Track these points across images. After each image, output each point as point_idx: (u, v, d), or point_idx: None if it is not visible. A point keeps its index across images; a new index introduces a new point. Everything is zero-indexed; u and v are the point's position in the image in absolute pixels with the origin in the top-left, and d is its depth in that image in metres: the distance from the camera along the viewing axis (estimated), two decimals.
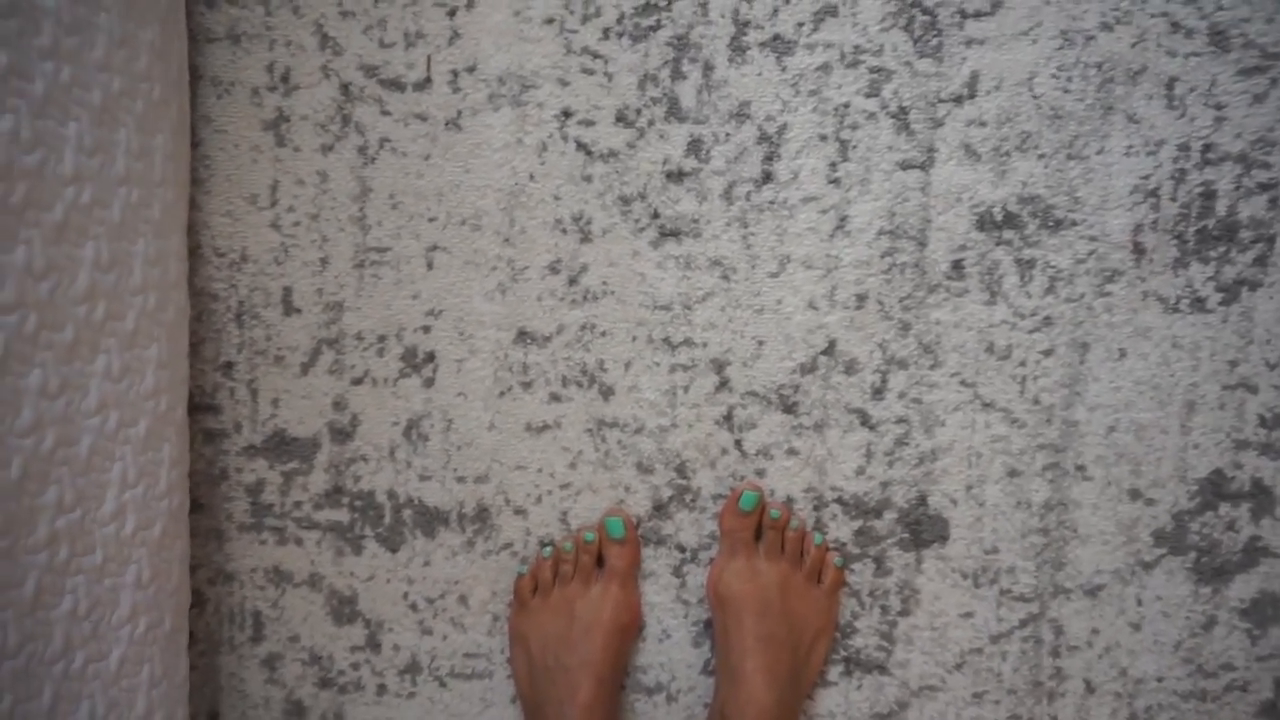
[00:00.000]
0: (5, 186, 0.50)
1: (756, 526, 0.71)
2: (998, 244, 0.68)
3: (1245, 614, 0.70)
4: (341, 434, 0.74)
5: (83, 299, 0.56)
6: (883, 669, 0.73)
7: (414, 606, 0.75)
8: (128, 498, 0.61)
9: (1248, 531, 0.69)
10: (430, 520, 0.74)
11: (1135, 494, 0.69)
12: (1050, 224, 0.67)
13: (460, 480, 0.73)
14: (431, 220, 0.71)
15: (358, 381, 0.73)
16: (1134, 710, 0.72)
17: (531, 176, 0.70)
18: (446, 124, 0.70)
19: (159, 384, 0.64)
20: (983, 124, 0.66)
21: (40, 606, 0.56)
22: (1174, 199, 0.65)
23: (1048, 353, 0.68)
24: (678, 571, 0.73)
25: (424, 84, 0.70)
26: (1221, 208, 0.65)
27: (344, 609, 0.76)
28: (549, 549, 0.73)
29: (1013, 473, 0.70)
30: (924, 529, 0.71)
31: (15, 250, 0.51)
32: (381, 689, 0.76)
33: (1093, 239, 0.67)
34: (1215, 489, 0.69)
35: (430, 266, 0.71)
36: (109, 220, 0.58)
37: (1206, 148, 0.65)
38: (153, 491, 0.63)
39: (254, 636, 0.77)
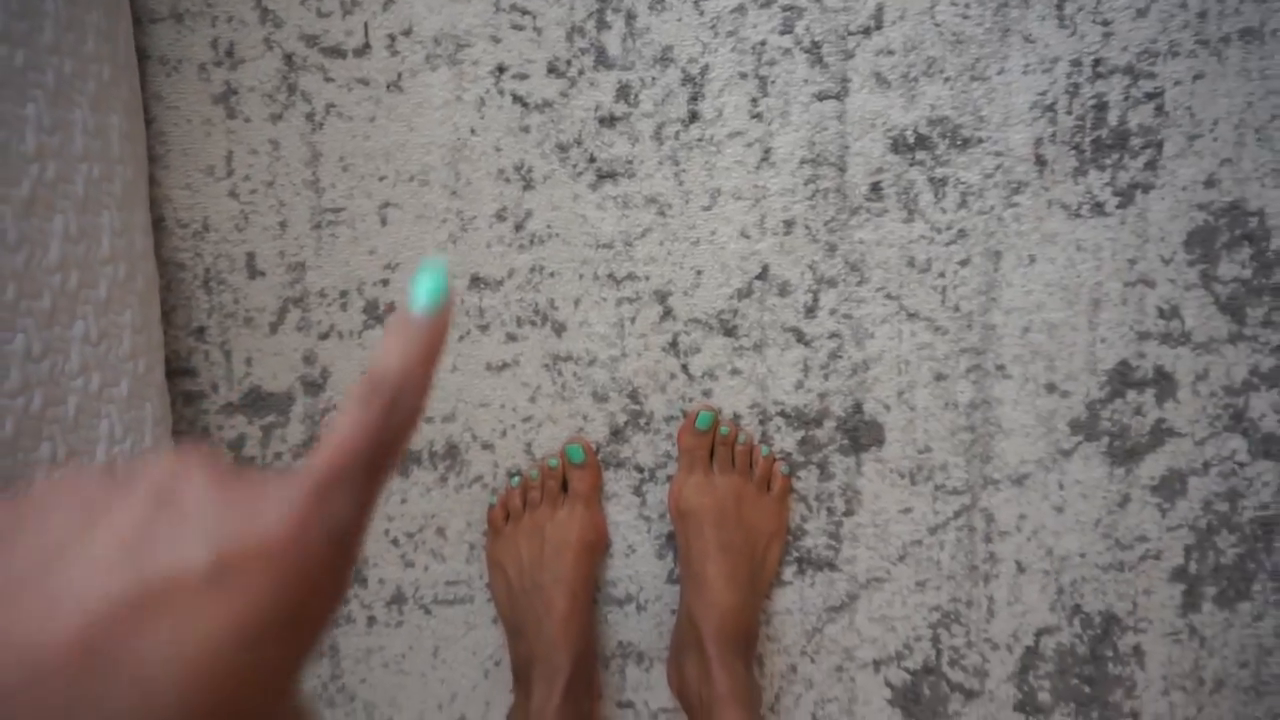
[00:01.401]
0: None
1: (711, 444, 0.76)
2: (911, 165, 0.72)
3: (1155, 490, 0.76)
4: (314, 386, 0.78)
5: (56, 269, 0.61)
6: (832, 566, 0.80)
7: (395, 542, 0.81)
8: (116, 452, 0.66)
9: (1154, 415, 0.75)
10: (404, 461, 0.79)
11: (1051, 388, 0.75)
12: (959, 143, 0.72)
13: (428, 421, 0.78)
14: (381, 179, 0.75)
15: (325, 336, 0.77)
16: (1061, 585, 0.79)
17: (472, 131, 0.74)
18: (388, 86, 0.74)
19: (135, 347, 0.68)
20: (890, 53, 0.71)
21: None
22: (1070, 112, 0.70)
23: (964, 263, 0.74)
24: (638, 490, 0.79)
25: (363, 50, 0.73)
26: (1113, 118, 0.70)
27: None
28: (517, 478, 0.79)
29: (939, 376, 0.76)
30: (861, 434, 0.77)
31: None
32: (371, 620, 0.82)
33: (998, 154, 0.72)
34: (1122, 378, 0.75)
35: (384, 223, 0.75)
36: (74, 195, 0.62)
37: (1097, 62, 0.70)
38: (139, 447, 0.68)
39: None
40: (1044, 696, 0.81)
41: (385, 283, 0.76)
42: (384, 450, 0.22)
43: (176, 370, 0.78)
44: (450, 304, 0.23)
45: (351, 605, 0.82)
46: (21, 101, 0.57)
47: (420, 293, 0.23)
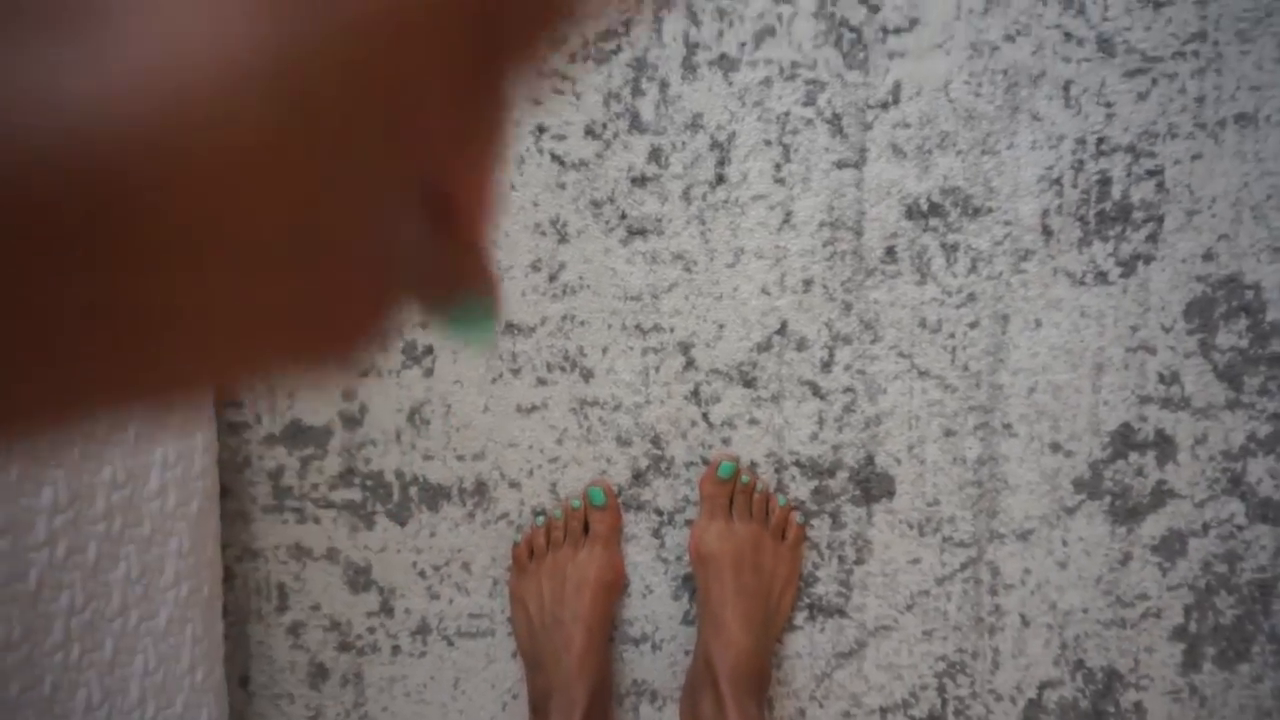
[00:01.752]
0: None
1: (731, 492, 0.80)
2: (925, 230, 0.77)
3: (1156, 549, 0.79)
4: (352, 421, 0.82)
5: None
6: (842, 613, 0.82)
7: (422, 574, 0.84)
8: (168, 477, 0.70)
9: (1154, 476, 0.78)
10: (434, 496, 0.83)
11: (1056, 447, 0.79)
12: (970, 211, 0.76)
13: (460, 459, 0.82)
14: None
15: (364, 374, 0.82)
16: (1064, 639, 0.81)
17: (512, 186, 0.79)
18: None
19: None
20: (907, 126, 0.76)
21: (100, 570, 0.64)
22: (1075, 186, 0.75)
23: (973, 325, 0.78)
24: (657, 533, 0.82)
25: None
26: (1116, 193, 0.75)
27: (359, 578, 0.85)
28: (541, 517, 0.82)
29: (948, 432, 0.79)
30: (873, 486, 0.81)
31: None
32: (396, 650, 0.85)
33: (1007, 223, 0.76)
34: (1124, 440, 0.78)
35: None
36: None
37: (1100, 141, 0.74)
38: (189, 472, 0.72)
39: (279, 606, 0.86)
40: None
41: (423, 325, 0.81)
42: None
43: (224, 401, 0.83)
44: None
45: (377, 634, 0.85)
46: None
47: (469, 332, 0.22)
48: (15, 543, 0.57)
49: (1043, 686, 0.82)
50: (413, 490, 0.83)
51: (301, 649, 0.86)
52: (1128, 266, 0.76)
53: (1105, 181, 0.75)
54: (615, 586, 0.82)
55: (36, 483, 0.58)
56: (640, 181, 0.78)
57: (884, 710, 0.83)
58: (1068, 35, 0.73)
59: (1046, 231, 0.76)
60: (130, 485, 0.66)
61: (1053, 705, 0.82)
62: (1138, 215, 0.75)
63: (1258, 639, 0.80)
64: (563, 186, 0.79)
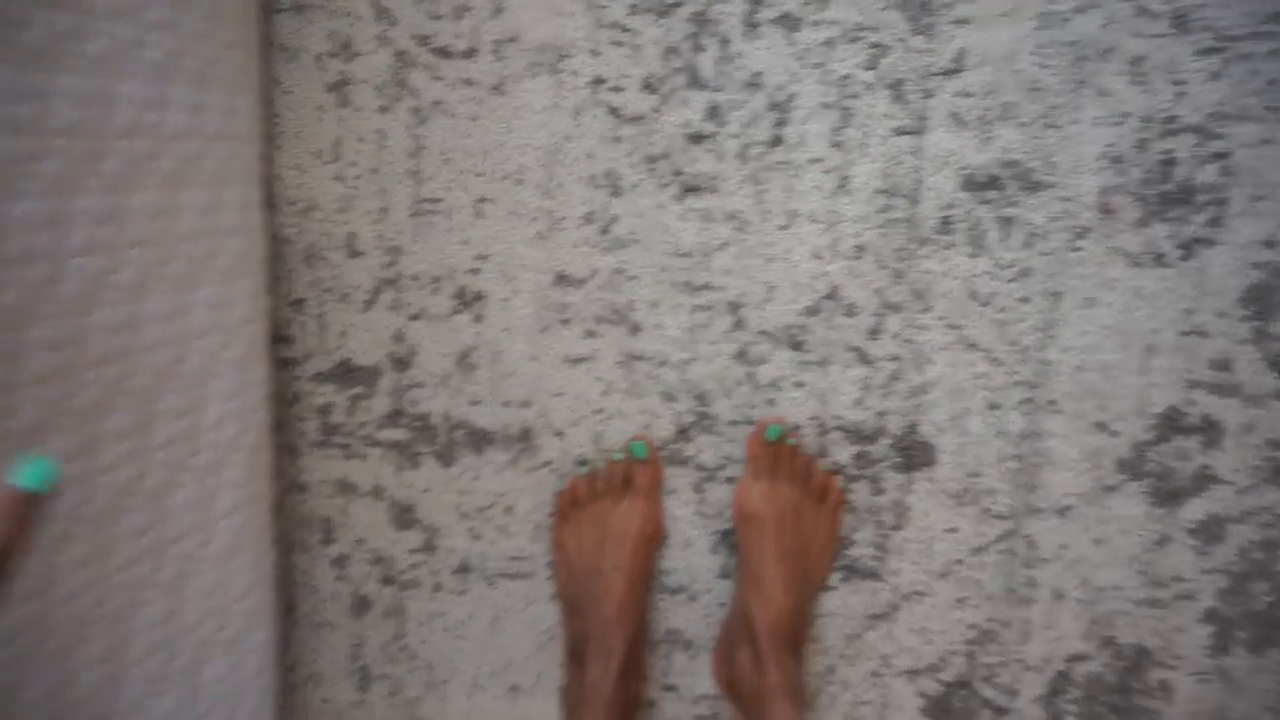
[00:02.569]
0: (128, 144, 0.59)
1: (776, 453, 0.80)
2: (981, 203, 0.76)
3: (1194, 533, 0.79)
4: (401, 363, 0.84)
5: (187, 238, 0.67)
6: (877, 576, 0.84)
7: (465, 515, 0.86)
8: (227, 409, 0.72)
9: (1198, 460, 0.78)
10: (479, 440, 0.85)
11: (1100, 426, 0.78)
12: (1028, 185, 0.75)
13: (506, 405, 0.84)
14: (479, 175, 0.80)
15: (415, 317, 0.83)
16: (1095, 615, 0.82)
17: (568, 137, 0.79)
18: (491, 89, 0.79)
19: (248, 314, 0.74)
20: (969, 95, 0.74)
21: (162, 496, 0.67)
22: (1138, 165, 0.74)
23: (1025, 300, 0.77)
24: (698, 488, 0.84)
25: (471, 53, 0.79)
26: (1180, 174, 0.73)
27: (404, 516, 0.87)
28: (585, 467, 0.84)
29: (993, 405, 0.79)
30: (914, 454, 0.81)
31: (134, 197, 0.61)
32: (437, 586, 0.88)
33: (1066, 199, 0.75)
34: (1171, 423, 0.78)
35: (478, 216, 0.81)
36: (208, 170, 0.68)
37: (1168, 119, 0.73)
38: (246, 405, 0.74)
39: (324, 539, 0.88)
40: None
41: (475, 271, 0.82)
42: None
43: (274, 337, 0.85)
44: (51, 495, 0.31)
45: (419, 570, 0.88)
46: (168, 86, 0.63)
47: (30, 475, 0.30)
48: (85, 466, 0.59)
49: (1071, 659, 0.83)
50: (458, 434, 0.85)
51: (345, 581, 0.89)
52: (1187, 249, 0.75)
53: (1169, 162, 0.73)
54: (655, 539, 0.84)
55: (107, 409, 0.60)
56: (696, 139, 0.78)
57: (912, 672, 0.85)
58: (1141, 9, 0.71)
59: (1105, 209, 0.75)
60: (190, 416, 0.68)
61: (1080, 678, 0.83)
62: (1200, 198, 0.73)
63: None
64: (618, 140, 0.78)
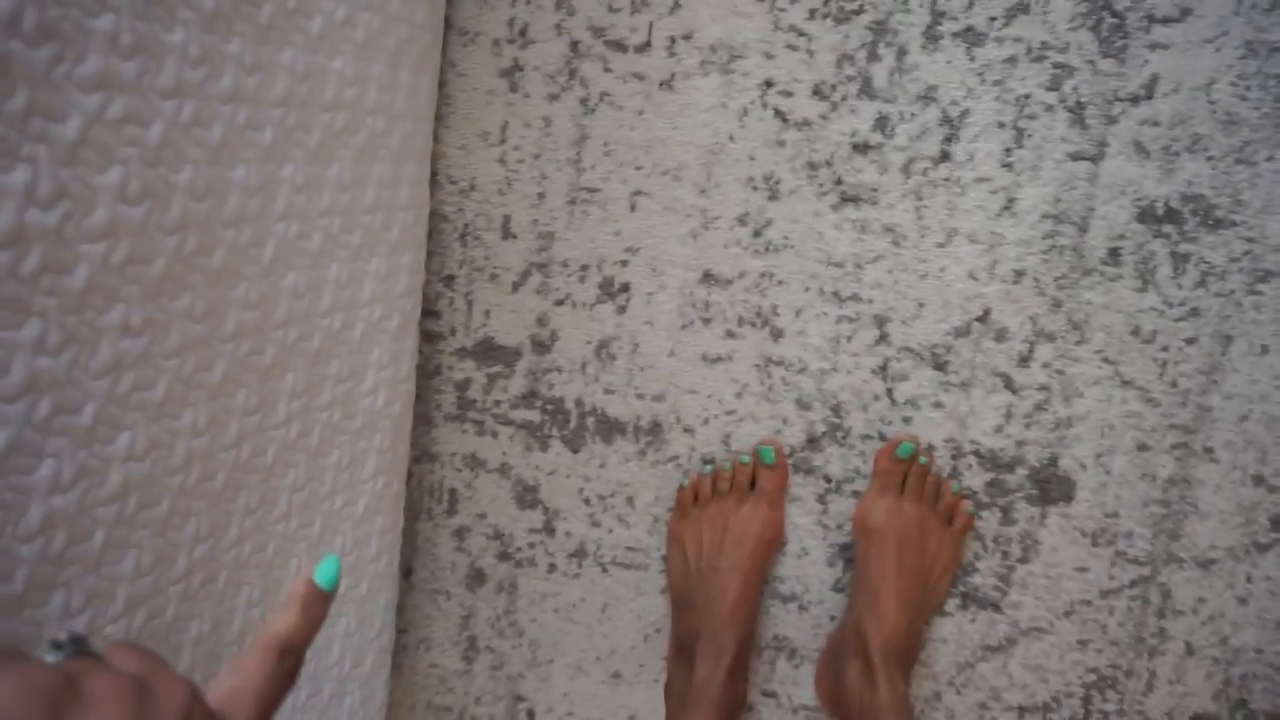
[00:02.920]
0: (330, 117, 0.62)
1: (905, 471, 0.79)
2: (1156, 236, 0.73)
3: None
4: (541, 346, 0.85)
5: (368, 209, 0.69)
6: (997, 607, 0.82)
7: (587, 501, 0.87)
8: (381, 377, 0.75)
9: None
10: (610, 429, 0.86)
11: (1259, 480, 0.75)
12: (1210, 223, 0.72)
13: (640, 397, 0.84)
14: (638, 168, 0.81)
15: (560, 302, 0.84)
16: (1229, 675, 0.78)
17: (731, 137, 0.79)
18: (660, 84, 0.79)
19: (408, 287, 0.77)
20: (1156, 124, 0.72)
21: (320, 455, 0.69)
22: None
23: (1191, 341, 0.74)
24: (822, 499, 0.83)
25: (644, 47, 0.79)
26: None
27: (527, 496, 0.89)
28: (709, 466, 0.84)
29: (1142, 447, 0.77)
30: (1052, 487, 0.79)
31: (330, 168, 0.63)
32: (552, 567, 0.89)
33: (1250, 240, 0.72)
34: None
35: (633, 209, 0.82)
36: (390, 146, 0.70)
37: None
38: (397, 375, 0.77)
39: (448, 510, 0.91)
40: None
41: (624, 263, 0.82)
42: (277, 698, 0.31)
43: (424, 310, 0.87)
44: (335, 593, 0.34)
45: (536, 550, 0.89)
46: (370, 62, 0.66)
47: (325, 574, 0.34)
48: (261, 422, 0.62)
49: (1196, 717, 0.80)
50: (590, 420, 0.86)
51: (463, 552, 0.91)
52: None
53: None
54: (775, 544, 0.83)
55: (283, 369, 0.63)
56: (862, 149, 0.77)
57: (1023, 709, 0.83)
58: None
59: None
60: (351, 381, 0.71)
61: None
62: None
63: None
64: (782, 144, 0.78)
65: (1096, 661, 0.81)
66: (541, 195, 0.83)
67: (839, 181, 0.78)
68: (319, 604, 0.33)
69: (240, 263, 0.55)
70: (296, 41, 0.55)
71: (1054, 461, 0.78)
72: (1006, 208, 0.75)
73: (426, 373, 0.88)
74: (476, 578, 0.92)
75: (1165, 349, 0.75)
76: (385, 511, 0.79)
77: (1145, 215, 0.73)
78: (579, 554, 0.89)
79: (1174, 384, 0.75)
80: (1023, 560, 0.81)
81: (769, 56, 0.77)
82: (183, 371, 0.52)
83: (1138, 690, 0.81)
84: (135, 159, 0.46)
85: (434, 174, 0.85)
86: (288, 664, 0.31)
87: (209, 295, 0.52)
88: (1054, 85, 0.73)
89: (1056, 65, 0.73)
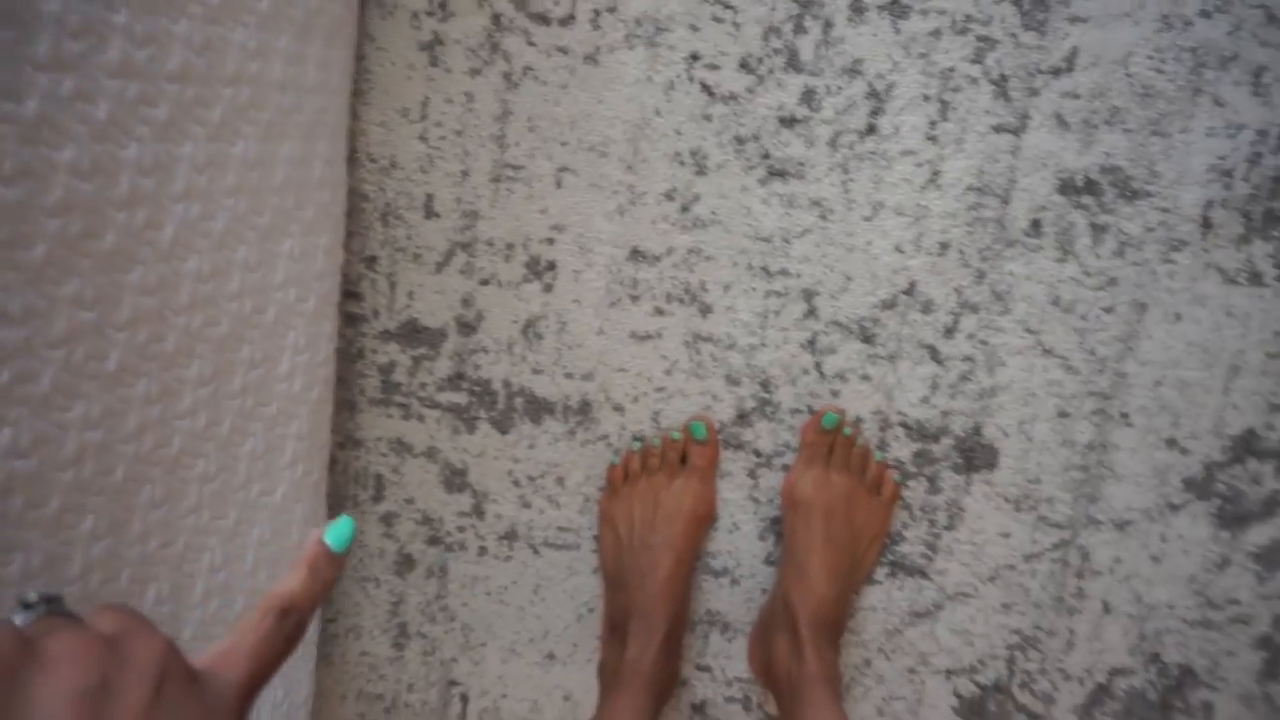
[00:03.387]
0: (233, 92, 0.59)
1: (832, 442, 0.80)
2: (1076, 208, 0.74)
3: (1257, 558, 0.78)
4: (467, 327, 0.83)
5: (278, 189, 0.66)
6: (924, 574, 0.83)
7: (517, 483, 0.86)
8: (297, 362, 0.72)
9: (1270, 486, 0.77)
10: (538, 409, 0.84)
11: (1172, 443, 0.77)
12: (1127, 193, 0.73)
13: (568, 376, 0.83)
14: (564, 144, 0.79)
15: (485, 282, 0.82)
16: (1144, 631, 0.81)
17: (657, 112, 0.77)
18: (585, 58, 0.77)
19: (325, 268, 0.74)
20: (1076, 96, 0.72)
21: (231, 444, 0.67)
22: (1246, 180, 0.72)
23: (1109, 309, 0.76)
24: (752, 474, 0.83)
25: (568, 20, 0.77)
26: None
27: (455, 479, 0.87)
28: (639, 443, 0.83)
29: (1062, 414, 0.78)
30: (976, 456, 0.80)
31: (234, 146, 0.60)
32: (483, 550, 0.88)
33: (1165, 210, 0.73)
34: (1246, 446, 0.76)
35: (559, 185, 0.80)
36: (301, 123, 0.67)
37: None
38: (315, 359, 0.74)
39: (375, 496, 0.88)
40: None
41: (550, 241, 0.81)
42: (275, 658, 0.29)
43: (344, 292, 0.84)
44: (347, 555, 0.33)
45: (466, 534, 0.88)
46: (276, 35, 0.62)
47: (337, 534, 0.32)
48: (165, 411, 0.59)
49: (1114, 673, 0.82)
50: (518, 401, 0.84)
51: (391, 538, 0.89)
52: None
53: None
54: (706, 519, 0.83)
55: (188, 355, 0.60)
56: (789, 122, 0.76)
57: (950, 672, 0.85)
58: (1272, 17, 0.69)
59: (1206, 224, 0.73)
60: (264, 366, 0.68)
61: (1120, 692, 0.83)
62: None
63: None
64: (708, 118, 0.77)
65: (1020, 623, 0.83)
66: (465, 173, 0.81)
67: (766, 156, 0.77)
68: (328, 566, 0.32)
69: (135, 246, 0.51)
70: (194, 12, 0.52)
71: (978, 430, 0.80)
72: (932, 180, 0.76)
73: (349, 356, 0.86)
74: (406, 563, 0.90)
75: (1084, 318, 0.76)
76: (306, 499, 0.76)
77: (1065, 187, 0.74)
78: (510, 536, 0.88)
79: (1092, 352, 0.77)
80: (948, 527, 0.82)
81: (694, 29, 0.76)
82: (71, 361, 0.49)
83: (1059, 649, 0.83)
84: (11, 136, 0.42)
85: (352, 152, 0.81)
86: (288, 625, 0.30)
87: (99, 281, 0.49)
88: (977, 58, 0.73)
89: (980, 38, 0.73)
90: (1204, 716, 0.82)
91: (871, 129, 0.75)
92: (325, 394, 0.77)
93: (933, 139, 0.75)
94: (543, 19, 0.77)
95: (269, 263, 0.66)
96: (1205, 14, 0.69)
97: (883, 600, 0.85)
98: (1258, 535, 0.78)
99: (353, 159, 0.81)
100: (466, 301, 0.83)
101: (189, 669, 0.26)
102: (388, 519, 0.89)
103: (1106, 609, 0.81)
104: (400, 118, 0.80)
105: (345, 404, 0.87)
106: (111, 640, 0.25)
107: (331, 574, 0.32)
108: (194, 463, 0.63)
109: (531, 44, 0.77)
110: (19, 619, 0.25)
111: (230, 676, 0.28)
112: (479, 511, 0.88)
